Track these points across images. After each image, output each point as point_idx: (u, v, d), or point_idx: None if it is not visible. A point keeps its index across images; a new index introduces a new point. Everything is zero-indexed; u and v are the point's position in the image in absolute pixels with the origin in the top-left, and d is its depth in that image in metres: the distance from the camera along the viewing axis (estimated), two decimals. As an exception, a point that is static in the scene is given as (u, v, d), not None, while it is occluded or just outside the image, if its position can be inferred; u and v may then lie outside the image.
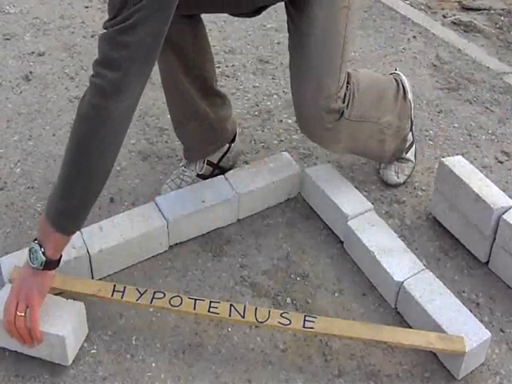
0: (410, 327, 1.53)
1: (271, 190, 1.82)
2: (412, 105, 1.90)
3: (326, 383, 1.43)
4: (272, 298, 1.61)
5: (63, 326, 1.39)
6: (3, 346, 1.44)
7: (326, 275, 1.68)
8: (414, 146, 1.95)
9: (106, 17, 1.34)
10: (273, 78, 2.41)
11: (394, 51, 2.63)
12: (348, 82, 1.63)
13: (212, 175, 1.89)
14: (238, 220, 1.80)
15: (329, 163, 1.95)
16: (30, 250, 1.37)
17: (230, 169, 1.92)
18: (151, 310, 1.55)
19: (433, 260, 1.73)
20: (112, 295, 1.47)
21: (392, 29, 2.78)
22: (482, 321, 1.51)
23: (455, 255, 1.74)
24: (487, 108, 2.32)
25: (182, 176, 1.86)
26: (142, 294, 1.47)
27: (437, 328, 1.45)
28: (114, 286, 1.49)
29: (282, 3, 1.60)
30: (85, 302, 1.47)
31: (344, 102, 1.61)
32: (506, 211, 1.62)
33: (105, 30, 1.31)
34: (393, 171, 1.91)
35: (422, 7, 3.01)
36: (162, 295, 1.47)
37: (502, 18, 2.93)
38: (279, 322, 1.43)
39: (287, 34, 1.64)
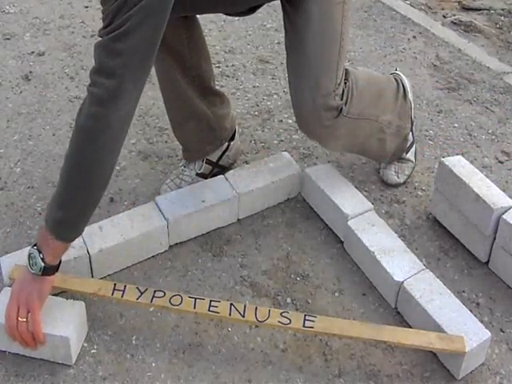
0: (410, 327, 1.53)
1: (271, 189, 1.82)
2: (412, 105, 1.90)
3: (326, 383, 1.43)
4: (272, 298, 1.61)
5: (65, 326, 1.39)
6: (5, 350, 1.44)
7: (326, 275, 1.68)
8: (414, 146, 1.95)
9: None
10: (273, 78, 2.41)
11: (394, 51, 2.63)
12: (346, 79, 1.63)
13: (211, 174, 1.89)
14: (238, 220, 1.80)
15: (329, 163, 1.95)
16: (29, 256, 1.37)
17: (230, 167, 1.92)
18: (151, 309, 1.55)
19: (433, 260, 1.73)
20: (112, 294, 1.47)
21: (392, 29, 2.78)
22: (481, 321, 1.51)
23: (455, 255, 1.74)
24: (487, 108, 2.32)
25: (181, 176, 1.87)
26: (142, 293, 1.47)
27: (437, 328, 1.45)
28: (115, 284, 1.49)
29: (279, 2, 1.60)
30: (85, 302, 1.47)
31: (342, 99, 1.61)
32: (506, 211, 1.62)
33: (100, 38, 1.31)
34: (393, 171, 1.91)
35: (422, 7, 3.01)
36: (163, 294, 1.47)
37: (502, 18, 2.93)
38: (279, 322, 1.43)
39: (286, 34, 1.64)
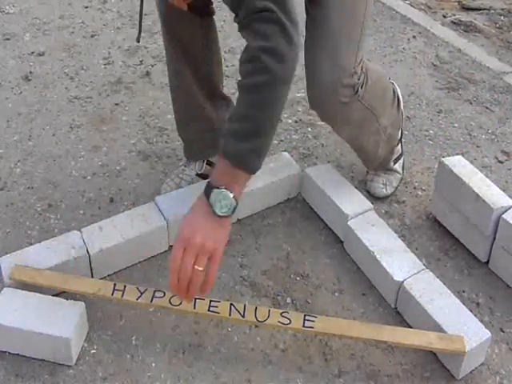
0: (410, 327, 1.53)
1: (271, 189, 1.82)
2: (404, 116, 1.90)
3: (326, 383, 1.43)
4: (272, 298, 1.61)
5: (66, 327, 1.39)
6: (5, 350, 1.44)
7: (325, 275, 1.68)
8: (402, 157, 1.94)
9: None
10: (273, 78, 2.41)
11: (394, 51, 2.63)
12: (362, 67, 1.61)
13: (212, 175, 1.89)
14: (238, 220, 1.80)
15: (329, 163, 1.95)
16: (214, 199, 1.28)
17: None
18: (151, 310, 1.55)
19: (433, 260, 1.73)
20: (112, 294, 1.47)
21: (392, 29, 2.78)
22: (481, 321, 1.51)
23: (455, 255, 1.74)
24: (487, 108, 2.32)
25: (181, 175, 1.87)
26: (142, 293, 1.47)
27: (437, 328, 1.45)
28: (115, 285, 1.49)
29: None
30: (85, 302, 1.47)
31: (359, 80, 1.58)
32: (505, 211, 1.62)
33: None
34: (381, 184, 1.90)
35: (422, 7, 3.01)
36: (163, 294, 1.47)
37: (502, 17, 2.93)
38: (279, 322, 1.43)
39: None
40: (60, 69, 2.41)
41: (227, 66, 2.43)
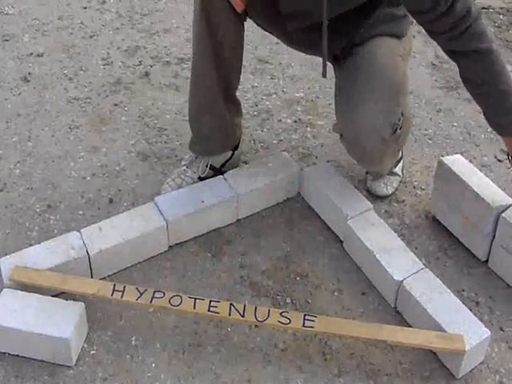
0: (410, 326, 1.53)
1: (270, 189, 1.82)
2: None
3: (326, 383, 1.43)
4: (272, 298, 1.61)
5: (65, 327, 1.39)
6: (5, 351, 1.44)
7: (325, 275, 1.68)
8: (402, 160, 1.96)
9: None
10: (272, 78, 2.41)
11: (393, 50, 2.62)
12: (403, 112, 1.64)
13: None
14: (238, 220, 1.80)
15: (328, 163, 1.95)
16: None
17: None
18: (151, 310, 1.55)
19: (432, 259, 1.73)
20: (112, 295, 1.47)
21: (391, 28, 2.78)
22: (481, 319, 1.51)
23: (455, 254, 1.74)
24: (486, 107, 2.31)
25: (182, 176, 1.86)
26: (141, 294, 1.47)
27: (436, 327, 1.45)
28: (114, 285, 1.49)
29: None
30: (85, 303, 1.47)
31: (399, 122, 1.60)
32: (505, 209, 1.62)
33: None
34: (382, 183, 1.90)
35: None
36: (162, 295, 1.47)
37: (501, 16, 2.93)
38: (279, 321, 1.43)
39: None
40: (59, 69, 2.41)
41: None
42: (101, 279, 1.61)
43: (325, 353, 1.49)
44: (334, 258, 1.72)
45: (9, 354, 1.44)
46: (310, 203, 1.86)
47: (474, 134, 2.19)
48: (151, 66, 2.45)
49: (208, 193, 1.75)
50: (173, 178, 1.87)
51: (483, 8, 2.99)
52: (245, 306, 1.46)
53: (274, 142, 2.10)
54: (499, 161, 2.07)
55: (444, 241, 1.78)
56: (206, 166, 1.87)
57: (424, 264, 1.61)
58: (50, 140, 2.08)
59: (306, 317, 1.44)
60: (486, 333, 1.44)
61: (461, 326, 1.44)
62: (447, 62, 2.57)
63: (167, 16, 2.76)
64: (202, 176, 1.87)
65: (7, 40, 2.56)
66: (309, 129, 2.16)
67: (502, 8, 3.00)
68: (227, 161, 1.91)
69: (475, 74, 1.53)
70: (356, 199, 1.76)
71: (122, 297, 1.47)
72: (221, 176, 1.81)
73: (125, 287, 1.48)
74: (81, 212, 1.82)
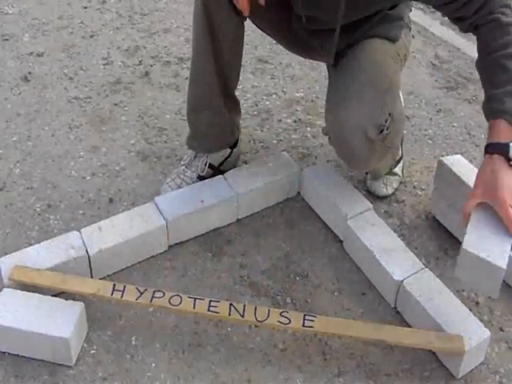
0: (410, 326, 1.53)
1: (270, 189, 1.82)
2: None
3: (326, 383, 1.43)
4: (271, 298, 1.61)
5: (65, 327, 1.39)
6: (5, 351, 1.44)
7: (325, 275, 1.68)
8: (402, 160, 1.95)
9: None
10: (272, 78, 2.41)
11: (393, 50, 2.63)
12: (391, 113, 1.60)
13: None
14: (238, 220, 1.80)
15: (328, 163, 1.95)
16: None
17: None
18: (151, 310, 1.55)
19: (432, 259, 1.73)
20: (112, 294, 1.47)
21: (391, 28, 2.78)
22: (481, 320, 1.51)
23: (454, 254, 1.74)
24: (486, 107, 2.32)
25: (182, 176, 1.86)
26: (141, 293, 1.47)
27: (436, 327, 1.45)
28: (114, 285, 1.49)
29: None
30: (84, 303, 1.47)
31: (386, 122, 1.56)
32: (505, 210, 1.62)
33: None
34: (381, 183, 1.90)
35: (421, 6, 3.01)
36: (162, 294, 1.47)
37: (501, 16, 2.93)
38: (279, 321, 1.43)
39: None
40: (59, 69, 2.41)
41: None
42: (101, 279, 1.61)
43: (324, 353, 1.49)
44: (333, 257, 1.72)
45: (8, 353, 1.44)
46: (309, 203, 1.86)
47: (474, 134, 2.19)
48: (151, 66, 2.45)
49: (208, 193, 1.75)
50: (172, 178, 1.87)
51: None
52: (244, 305, 1.46)
53: (274, 141, 2.10)
54: (499, 161, 2.07)
55: (444, 241, 1.78)
56: (205, 165, 1.87)
57: (424, 264, 1.61)
58: (49, 140, 2.08)
59: (306, 317, 1.44)
60: (485, 333, 1.44)
61: (461, 326, 1.44)
62: (447, 62, 2.57)
63: (167, 16, 2.76)
64: (202, 175, 1.87)
65: (7, 39, 2.56)
66: (309, 129, 2.16)
67: (502, 8, 3.00)
68: (226, 159, 1.91)
69: (493, 40, 1.48)
70: (356, 199, 1.76)
71: (121, 296, 1.47)
72: (221, 176, 1.82)
73: (125, 287, 1.48)
74: (81, 212, 1.82)
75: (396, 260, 1.59)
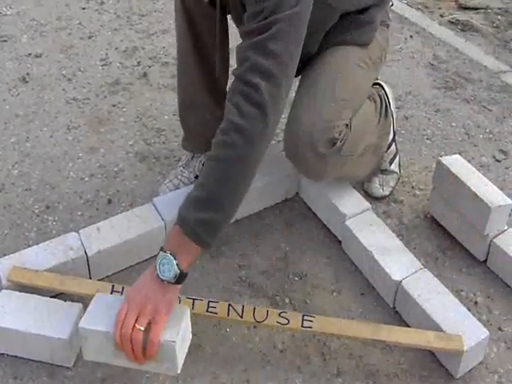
0: (409, 326, 1.53)
1: (269, 190, 1.82)
2: (394, 116, 1.88)
3: (325, 383, 1.43)
4: (270, 298, 1.61)
5: (64, 328, 1.39)
6: (3, 352, 1.44)
7: (324, 275, 1.68)
8: (397, 157, 1.93)
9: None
10: (270, 79, 2.41)
11: (391, 51, 2.62)
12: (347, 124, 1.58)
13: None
14: (236, 220, 1.80)
15: (326, 163, 1.95)
16: (160, 261, 1.25)
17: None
18: (149, 310, 1.54)
19: (431, 259, 1.73)
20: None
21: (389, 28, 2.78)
22: (480, 319, 1.51)
23: (453, 254, 1.74)
24: (484, 107, 2.32)
25: (180, 177, 1.86)
26: (140, 295, 1.46)
27: (435, 327, 1.45)
28: (113, 286, 1.49)
29: None
30: (83, 304, 1.47)
31: (340, 136, 1.53)
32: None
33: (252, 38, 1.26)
34: (377, 184, 1.89)
35: (419, 6, 3.01)
36: (160, 296, 1.46)
37: (499, 17, 2.93)
38: (277, 322, 1.43)
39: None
40: (57, 70, 2.41)
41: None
42: (99, 280, 1.61)
43: (324, 353, 1.49)
44: (332, 258, 1.72)
45: (7, 354, 1.44)
46: (308, 204, 1.86)
47: (472, 134, 2.19)
48: (149, 67, 2.45)
49: (206, 193, 1.75)
50: (170, 179, 1.87)
51: (481, 8, 3.00)
52: (243, 306, 1.46)
53: (273, 142, 2.09)
54: (497, 161, 2.07)
55: (442, 241, 1.78)
56: (203, 165, 1.87)
57: (422, 264, 1.61)
58: (48, 141, 2.08)
59: (305, 317, 1.44)
60: (484, 333, 1.44)
61: (459, 325, 1.44)
62: (445, 62, 2.57)
63: (165, 17, 2.76)
64: (199, 174, 1.87)
65: (5, 41, 2.56)
66: (307, 129, 2.16)
67: (500, 8, 3.01)
68: None
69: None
70: (354, 199, 1.75)
71: (120, 297, 1.47)
72: (219, 176, 1.81)
73: (123, 288, 1.48)
74: (79, 213, 1.82)
75: (395, 260, 1.59)
